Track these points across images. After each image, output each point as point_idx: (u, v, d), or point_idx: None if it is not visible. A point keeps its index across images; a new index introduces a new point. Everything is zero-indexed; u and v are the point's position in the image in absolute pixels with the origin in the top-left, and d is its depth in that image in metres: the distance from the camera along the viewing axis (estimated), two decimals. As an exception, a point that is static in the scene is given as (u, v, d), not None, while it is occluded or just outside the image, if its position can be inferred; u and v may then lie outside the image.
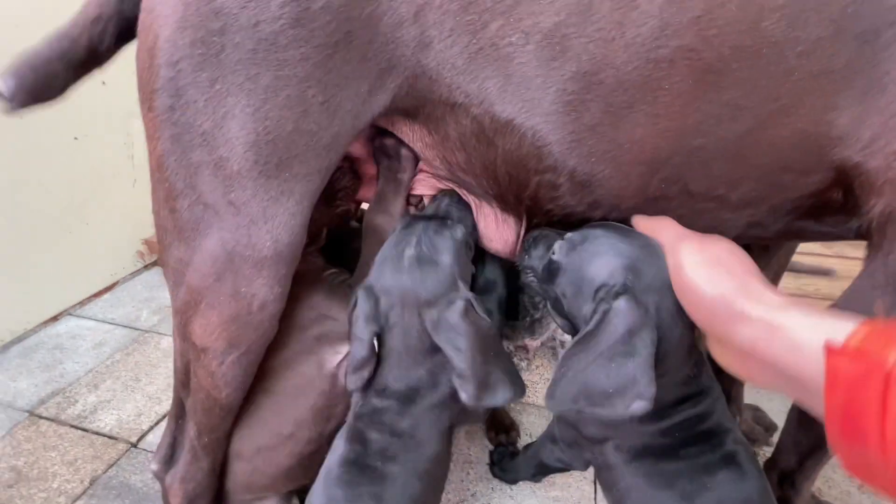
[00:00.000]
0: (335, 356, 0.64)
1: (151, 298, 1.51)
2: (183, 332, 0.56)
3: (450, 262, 0.55)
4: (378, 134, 0.62)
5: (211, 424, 0.61)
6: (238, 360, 0.56)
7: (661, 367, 0.46)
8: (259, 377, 0.62)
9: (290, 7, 0.44)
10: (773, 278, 0.88)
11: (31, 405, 1.10)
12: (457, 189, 0.67)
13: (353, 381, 0.58)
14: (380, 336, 0.57)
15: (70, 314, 1.42)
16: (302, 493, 0.74)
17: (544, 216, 0.60)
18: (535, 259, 0.58)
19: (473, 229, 0.65)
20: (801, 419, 0.63)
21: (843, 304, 0.51)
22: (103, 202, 1.49)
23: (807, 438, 0.63)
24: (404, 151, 0.62)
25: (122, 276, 1.60)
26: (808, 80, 0.45)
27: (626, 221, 0.58)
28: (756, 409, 1.02)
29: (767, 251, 0.83)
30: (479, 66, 0.49)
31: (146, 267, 1.68)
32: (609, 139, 0.50)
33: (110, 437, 1.01)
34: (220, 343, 0.54)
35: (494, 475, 0.91)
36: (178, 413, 0.69)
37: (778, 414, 1.02)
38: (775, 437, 0.97)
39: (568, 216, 0.59)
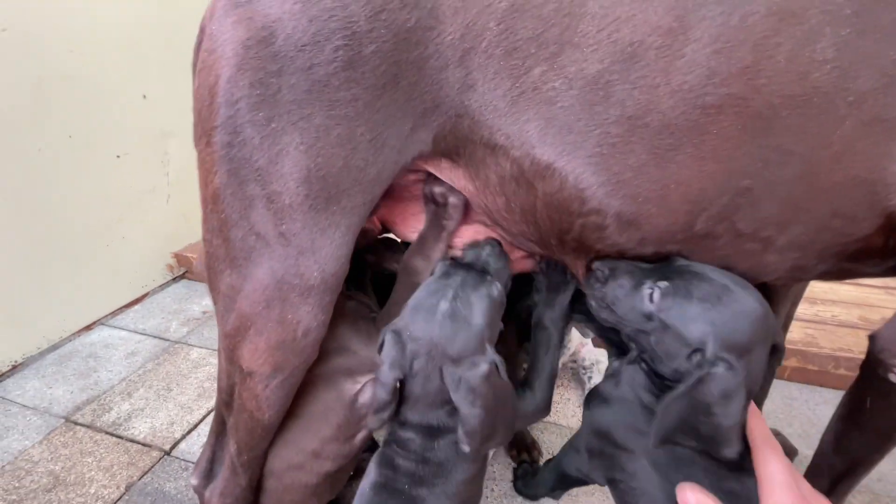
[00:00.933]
0: (354, 386, 0.67)
1: (180, 310, 1.56)
2: (231, 355, 0.58)
3: (481, 324, 0.55)
4: (429, 179, 0.64)
5: (251, 443, 0.63)
6: (281, 384, 0.58)
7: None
8: (293, 404, 0.65)
9: (343, 51, 0.46)
10: (791, 306, 0.90)
11: (67, 411, 1.14)
12: (498, 236, 0.67)
13: (374, 422, 0.59)
14: (402, 380, 0.58)
15: (103, 324, 1.47)
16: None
17: (595, 254, 0.60)
18: (618, 293, 0.58)
19: (509, 283, 0.65)
20: (839, 443, 0.65)
21: (888, 329, 0.54)
22: (139, 217, 1.55)
23: (842, 462, 0.65)
24: (452, 199, 0.63)
25: (151, 288, 1.65)
26: (860, 127, 0.46)
27: (676, 254, 0.59)
28: (777, 434, 1.03)
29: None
30: (520, 109, 0.50)
31: (175, 279, 1.73)
32: (655, 180, 0.50)
33: (144, 445, 1.04)
34: (266, 368, 0.56)
35: (517, 490, 0.93)
36: (219, 430, 0.72)
37: (798, 438, 1.03)
38: (794, 461, 0.98)
39: (620, 253, 0.59)
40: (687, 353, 0.52)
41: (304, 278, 0.52)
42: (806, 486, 0.46)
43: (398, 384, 0.58)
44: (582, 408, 1.13)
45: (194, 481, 0.69)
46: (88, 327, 1.44)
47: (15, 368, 1.27)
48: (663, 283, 0.54)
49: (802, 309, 1.46)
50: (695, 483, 0.50)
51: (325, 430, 0.67)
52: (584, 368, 1.20)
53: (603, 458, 0.65)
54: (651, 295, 0.55)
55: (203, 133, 0.51)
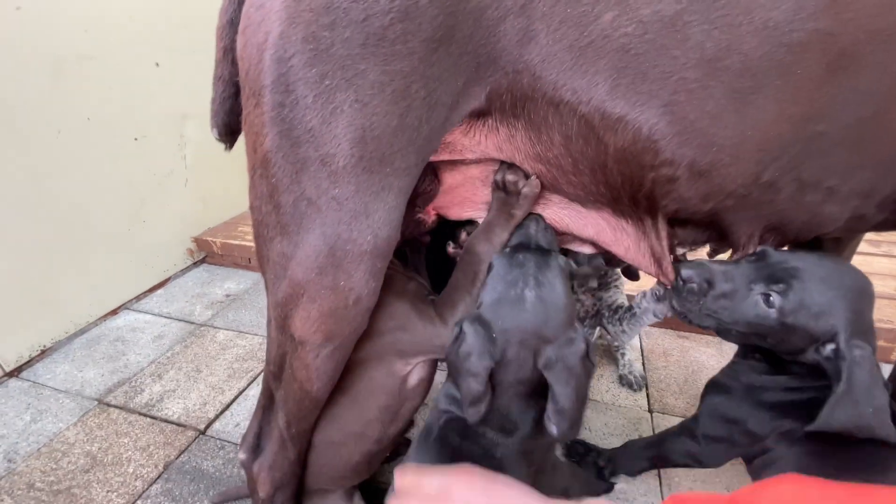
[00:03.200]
0: (406, 366, 0.66)
1: (203, 294, 1.55)
2: (282, 324, 0.57)
3: (565, 302, 0.55)
4: (502, 165, 0.62)
5: (301, 415, 0.62)
6: (332, 353, 0.57)
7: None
8: (340, 380, 0.63)
9: (399, 1, 0.43)
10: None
11: (100, 394, 1.14)
12: (567, 202, 0.64)
13: (472, 415, 0.56)
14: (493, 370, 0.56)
15: (128, 308, 1.47)
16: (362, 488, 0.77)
17: (657, 213, 0.58)
18: (722, 303, 0.58)
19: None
20: None
21: None
22: (158, 201, 1.54)
23: None
24: (526, 190, 0.60)
25: (173, 273, 1.64)
26: None
27: (732, 213, 0.57)
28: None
29: (839, 245, 0.83)
30: (589, 60, 0.47)
31: (195, 264, 1.72)
32: (732, 126, 0.48)
33: (179, 425, 1.04)
34: (318, 336, 0.55)
35: (601, 478, 0.88)
36: (267, 403, 0.71)
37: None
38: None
39: (678, 211, 0.57)
40: (814, 345, 0.53)
41: (358, 243, 0.50)
42: None
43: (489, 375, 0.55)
44: (616, 384, 1.12)
45: (242, 456, 0.69)
46: (114, 311, 1.44)
47: (44, 353, 1.27)
48: (778, 286, 0.54)
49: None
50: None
51: (370, 410, 0.66)
52: (615, 347, 1.18)
53: (730, 444, 0.66)
54: (768, 300, 0.55)
55: (251, 94, 0.48)
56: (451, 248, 0.75)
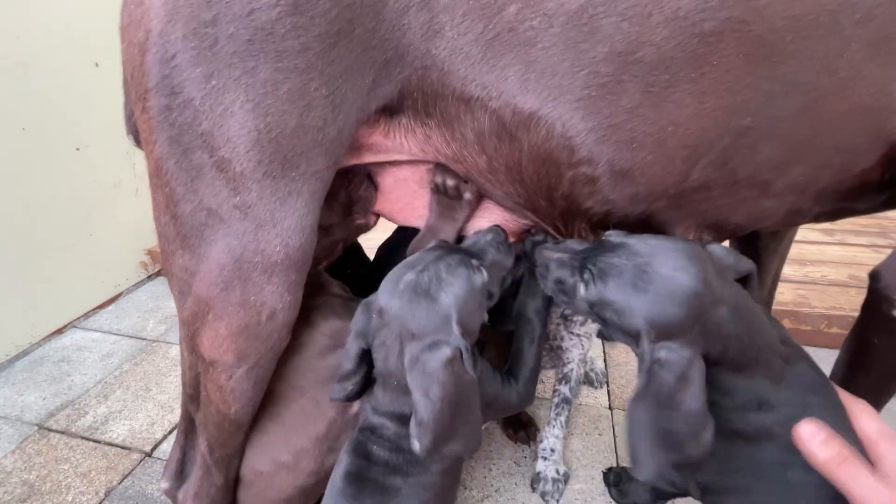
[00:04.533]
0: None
1: (157, 308, 1.49)
2: (191, 344, 0.54)
3: (449, 303, 0.50)
4: (439, 168, 0.59)
5: (222, 440, 0.58)
6: (247, 373, 0.53)
7: (744, 367, 0.46)
8: (268, 400, 0.60)
9: None
10: (779, 263, 0.88)
11: (40, 418, 1.08)
12: (503, 209, 0.62)
13: (336, 392, 0.56)
14: (370, 353, 0.55)
15: (75, 326, 1.40)
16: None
17: (582, 217, 0.57)
18: (559, 285, 0.53)
19: (507, 279, 0.60)
20: (844, 388, 0.63)
21: (890, 263, 0.53)
22: (106, 213, 1.47)
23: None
24: (467, 195, 0.59)
25: (125, 287, 1.58)
26: (867, 48, 0.43)
27: (665, 213, 0.54)
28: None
29: (776, 236, 0.83)
30: (496, 54, 0.45)
31: (150, 277, 1.66)
32: (651, 122, 0.47)
33: (123, 448, 0.99)
34: (229, 356, 0.52)
35: (613, 498, 0.84)
36: (188, 428, 0.67)
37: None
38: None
39: (608, 214, 0.55)
40: (634, 336, 0.47)
41: (266, 255, 0.47)
42: None
43: (364, 356, 0.54)
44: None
45: (165, 485, 0.65)
46: (60, 331, 1.37)
47: (-18, 378, 1.20)
48: (584, 277, 0.49)
49: (792, 270, 1.46)
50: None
51: (303, 439, 0.62)
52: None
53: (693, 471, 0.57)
54: (580, 290, 0.50)
55: (137, 97, 0.45)
56: None
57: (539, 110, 0.47)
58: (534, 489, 0.87)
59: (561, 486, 0.86)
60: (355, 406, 0.63)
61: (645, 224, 0.58)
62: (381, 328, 0.52)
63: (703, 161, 0.49)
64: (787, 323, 1.28)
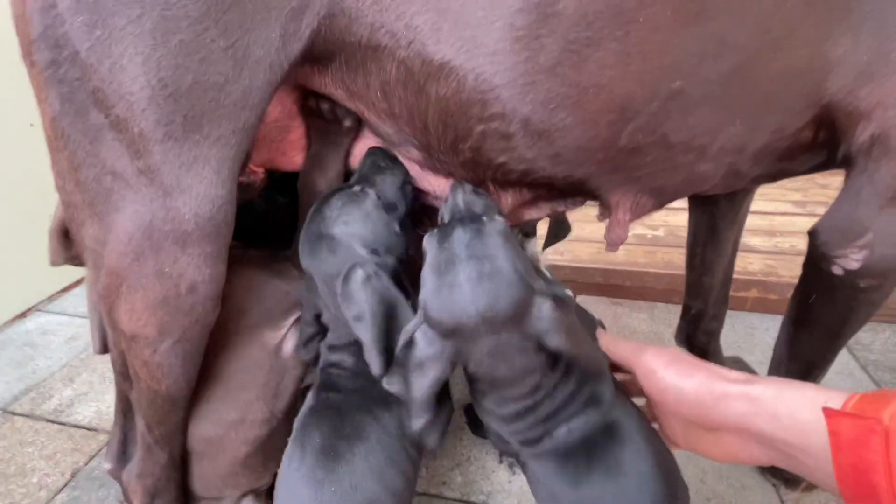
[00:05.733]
0: (278, 332, 0.62)
1: (125, 290, 1.46)
2: (110, 319, 0.51)
3: (343, 231, 0.52)
4: (309, 96, 0.57)
5: (158, 417, 0.56)
6: (173, 347, 0.50)
7: (499, 387, 0.47)
8: (206, 370, 0.58)
9: None
10: (737, 233, 0.88)
11: (4, 403, 1.05)
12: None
13: (305, 354, 0.60)
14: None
15: (39, 310, 1.37)
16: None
17: (496, 171, 0.54)
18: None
19: (402, 185, 0.59)
20: (791, 346, 0.65)
21: (827, 221, 0.53)
22: (67, 192, 1.42)
23: (797, 365, 0.65)
24: (347, 122, 0.58)
25: (92, 270, 1.54)
26: (801, 7, 0.42)
27: (597, 178, 0.54)
28: (738, 361, 1.04)
29: (733, 205, 0.84)
30: (406, 1, 0.43)
31: (118, 259, 1.62)
32: (571, 83, 0.45)
33: (90, 430, 0.98)
34: (149, 329, 0.49)
35: (474, 432, 0.91)
36: (124, 407, 0.65)
37: (759, 365, 1.04)
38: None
39: (528, 172, 0.54)
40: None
41: (177, 223, 0.44)
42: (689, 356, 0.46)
43: (318, 318, 0.57)
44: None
45: (107, 465, 0.63)
46: (23, 315, 1.33)
47: (-58, 363, 1.17)
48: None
49: (761, 241, 1.48)
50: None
51: (247, 392, 0.61)
52: None
53: None
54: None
55: (24, 51, 0.42)
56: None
57: (451, 61, 0.45)
58: (501, 460, 0.88)
59: None
60: (289, 344, 0.63)
61: (578, 188, 0.57)
62: (319, 286, 0.53)
63: (632, 126, 0.48)
64: (755, 293, 1.31)
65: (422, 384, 0.44)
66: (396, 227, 0.56)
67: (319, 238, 0.53)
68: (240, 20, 0.41)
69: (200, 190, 0.44)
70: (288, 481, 0.50)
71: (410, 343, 0.45)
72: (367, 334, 0.48)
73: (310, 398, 0.56)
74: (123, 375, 0.57)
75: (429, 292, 0.44)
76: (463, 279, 0.42)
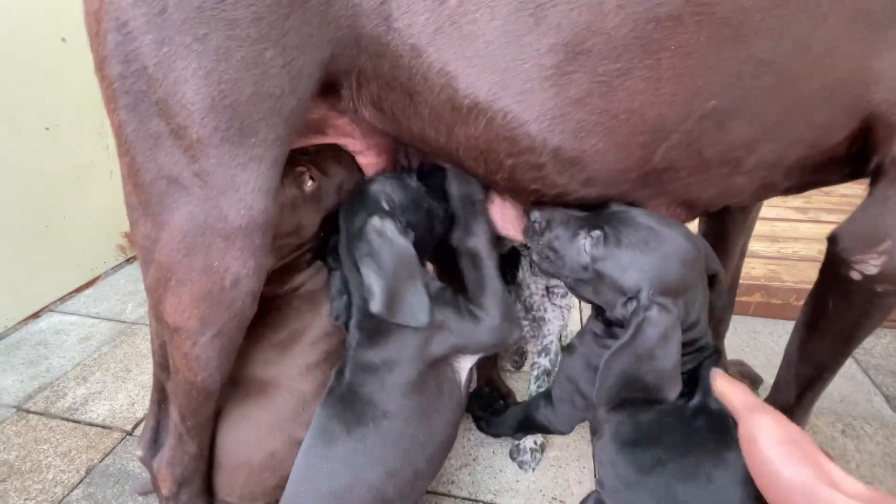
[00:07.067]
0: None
1: (136, 291, 1.48)
2: (156, 311, 0.54)
3: (379, 189, 0.61)
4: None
5: (192, 408, 0.59)
6: (211, 341, 0.53)
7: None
8: (244, 393, 0.64)
9: None
10: (745, 238, 0.90)
11: (18, 401, 1.07)
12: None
13: (333, 309, 0.67)
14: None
15: (52, 310, 1.38)
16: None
17: (531, 194, 0.58)
18: (555, 245, 0.58)
19: (446, 184, 0.65)
20: (803, 349, 0.65)
21: (849, 227, 0.54)
22: (80, 195, 1.44)
23: (807, 368, 0.66)
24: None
25: (103, 271, 1.56)
26: (844, 24, 0.42)
27: (630, 194, 0.56)
28: (741, 364, 1.06)
29: (743, 211, 0.85)
30: (439, 48, 0.45)
31: (128, 261, 1.64)
32: (601, 111, 0.46)
33: (104, 427, 0.99)
34: (192, 322, 0.52)
35: (479, 429, 0.93)
36: (160, 397, 0.68)
37: (762, 369, 1.05)
38: (759, 389, 1.01)
39: (561, 195, 0.56)
40: (623, 300, 0.52)
41: (229, 220, 0.48)
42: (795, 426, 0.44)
43: (346, 284, 0.66)
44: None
45: (139, 453, 0.65)
46: (36, 315, 1.35)
47: (-43, 362, 1.19)
48: (596, 233, 0.54)
49: (765, 246, 1.49)
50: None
51: (277, 441, 0.65)
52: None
53: (572, 405, 0.65)
54: (585, 246, 0.54)
55: (97, 65, 0.45)
56: None
57: (478, 105, 0.47)
58: (513, 458, 0.89)
59: (538, 455, 0.89)
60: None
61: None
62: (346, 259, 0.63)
63: (665, 145, 0.49)
64: (758, 297, 1.32)
65: (672, 350, 0.49)
66: (430, 205, 0.63)
67: (355, 196, 0.62)
68: (297, 42, 0.45)
69: (254, 187, 0.48)
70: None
71: (641, 326, 0.49)
72: (371, 278, 0.55)
73: (332, 376, 0.61)
74: (162, 366, 0.60)
75: (651, 265, 0.50)
76: (673, 238, 0.51)
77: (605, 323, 0.60)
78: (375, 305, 0.55)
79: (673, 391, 0.50)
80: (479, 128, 0.49)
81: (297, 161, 0.63)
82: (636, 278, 0.50)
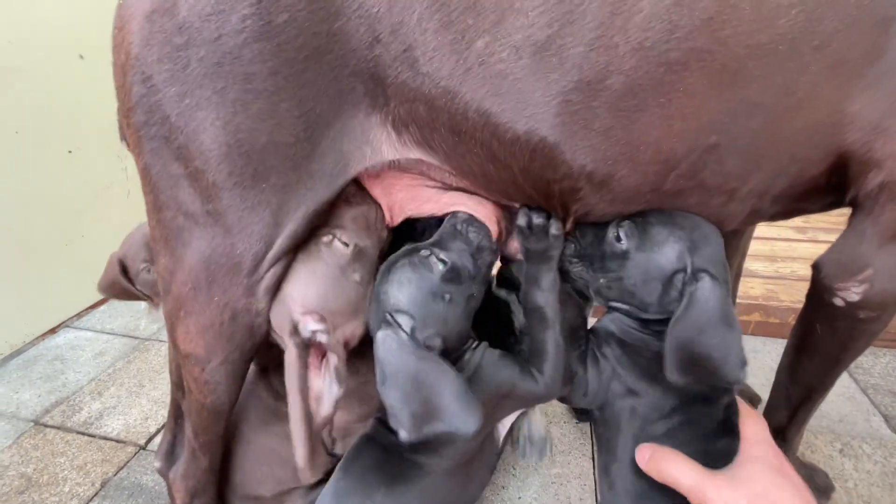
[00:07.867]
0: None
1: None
2: (171, 337, 0.58)
3: (391, 292, 0.54)
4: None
5: (203, 426, 0.62)
6: (218, 368, 0.56)
7: None
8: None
9: (251, 21, 0.44)
10: (740, 259, 0.93)
11: (36, 415, 1.10)
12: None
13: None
14: None
15: (68, 326, 1.43)
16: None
17: (572, 215, 0.61)
18: (588, 248, 0.61)
19: (477, 252, 0.60)
20: (793, 372, 0.68)
21: (831, 255, 0.57)
22: (97, 215, 1.50)
23: (798, 389, 0.68)
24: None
25: (118, 288, 1.60)
26: (823, 72, 0.46)
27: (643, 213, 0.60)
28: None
29: (737, 234, 0.89)
30: (472, 88, 0.48)
31: (141, 278, 1.69)
32: (623, 142, 0.50)
33: (118, 441, 1.02)
34: (199, 350, 0.55)
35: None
36: (176, 413, 0.72)
37: (761, 388, 1.07)
38: (758, 407, 1.03)
39: (588, 213, 0.60)
40: (666, 281, 0.54)
41: (231, 258, 0.51)
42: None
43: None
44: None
45: (157, 464, 0.69)
46: (52, 330, 1.40)
47: (-23, 377, 1.23)
48: (625, 222, 0.58)
49: (763, 266, 1.52)
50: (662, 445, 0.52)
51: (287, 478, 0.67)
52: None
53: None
54: (618, 235, 0.57)
55: (124, 113, 0.49)
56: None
57: (520, 138, 0.50)
58: (522, 457, 0.88)
59: (546, 446, 0.87)
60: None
61: None
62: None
63: (675, 173, 0.53)
64: (757, 316, 1.34)
65: (733, 320, 0.51)
66: (451, 298, 0.56)
67: (375, 294, 0.56)
68: (313, 94, 0.48)
69: (258, 229, 0.51)
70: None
71: (694, 295, 0.51)
72: (386, 396, 0.51)
73: (371, 424, 0.61)
74: (178, 386, 0.64)
75: (687, 236, 0.54)
76: (694, 216, 0.57)
77: (642, 322, 0.60)
78: (404, 434, 0.50)
79: (740, 370, 0.49)
80: (526, 158, 0.52)
81: (319, 232, 0.59)
82: (678, 249, 0.53)
